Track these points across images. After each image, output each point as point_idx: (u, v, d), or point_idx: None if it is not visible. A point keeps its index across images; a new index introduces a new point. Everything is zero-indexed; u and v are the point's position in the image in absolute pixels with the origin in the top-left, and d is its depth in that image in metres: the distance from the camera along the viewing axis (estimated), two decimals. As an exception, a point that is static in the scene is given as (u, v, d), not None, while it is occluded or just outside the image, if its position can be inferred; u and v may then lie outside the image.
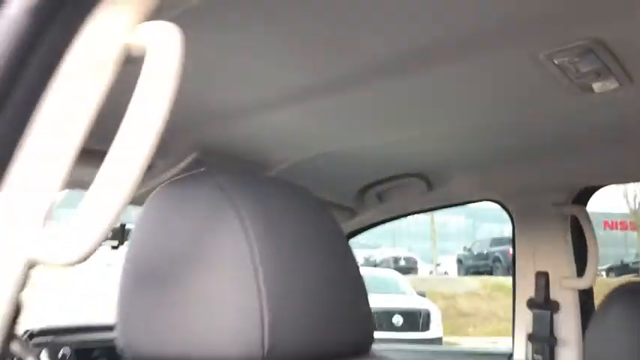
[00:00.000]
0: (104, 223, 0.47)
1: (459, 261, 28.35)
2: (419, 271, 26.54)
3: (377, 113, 1.26)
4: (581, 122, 1.32)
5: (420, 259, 33.56)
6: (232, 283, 0.60)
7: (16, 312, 0.50)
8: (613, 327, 1.29)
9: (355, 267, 0.80)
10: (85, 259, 0.47)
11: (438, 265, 28.47)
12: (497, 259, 24.46)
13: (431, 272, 26.86)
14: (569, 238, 1.90)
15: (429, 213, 27.53)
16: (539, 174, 1.80)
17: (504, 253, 24.11)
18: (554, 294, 1.91)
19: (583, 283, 1.85)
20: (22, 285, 0.51)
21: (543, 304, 1.91)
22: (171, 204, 0.69)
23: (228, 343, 0.59)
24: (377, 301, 9.42)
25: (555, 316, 1.89)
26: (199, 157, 1.15)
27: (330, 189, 1.73)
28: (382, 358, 0.81)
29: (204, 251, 0.62)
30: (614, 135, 1.38)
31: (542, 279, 1.92)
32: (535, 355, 1.89)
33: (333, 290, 0.70)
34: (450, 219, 53.91)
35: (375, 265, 27.06)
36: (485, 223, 53.35)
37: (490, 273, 24.47)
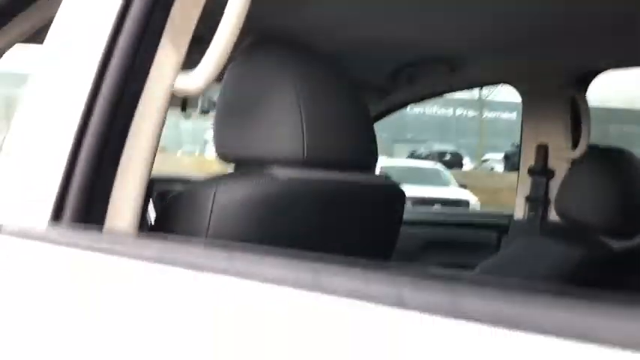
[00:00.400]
0: (215, 65, 0.87)
1: (506, 157, 28.26)
2: (464, 166, 26.64)
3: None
4: (585, 9, 1.47)
5: (469, 156, 33.62)
6: (280, 111, 1.00)
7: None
8: (584, 184, 1.64)
9: (367, 112, 1.19)
10: (204, 88, 0.88)
11: (484, 161, 28.44)
12: (543, 156, 24.51)
13: (476, 167, 26.94)
14: (567, 116, 2.22)
15: (477, 109, 27.43)
16: (547, 59, 2.05)
17: (550, 150, 24.07)
18: (552, 163, 2.26)
19: (576, 154, 2.18)
20: (165, 110, 0.92)
21: (541, 172, 2.27)
22: (243, 70, 1.08)
23: (282, 148, 1.00)
24: (418, 192, 9.84)
25: (550, 182, 2.25)
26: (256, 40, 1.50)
27: (362, 70, 2.04)
28: (384, 175, 1.22)
29: (265, 95, 1.02)
30: (616, 21, 1.55)
31: (542, 150, 2.27)
32: (530, 212, 2.28)
33: (352, 121, 1.10)
34: (502, 115, 52.92)
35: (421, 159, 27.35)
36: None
37: (535, 169, 24.60)
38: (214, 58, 0.87)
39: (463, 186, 12.90)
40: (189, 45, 0.92)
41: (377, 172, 1.22)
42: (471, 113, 31.49)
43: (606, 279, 1.45)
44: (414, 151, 31.07)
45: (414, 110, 51.09)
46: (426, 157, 27.18)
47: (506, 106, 51.63)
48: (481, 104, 28.32)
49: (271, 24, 1.41)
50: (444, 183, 12.82)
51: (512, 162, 27.06)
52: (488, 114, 51.37)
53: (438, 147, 30.21)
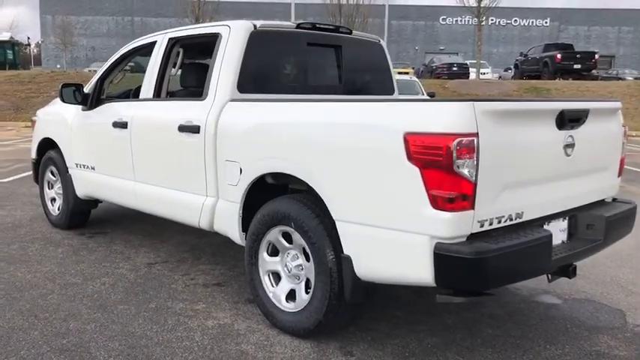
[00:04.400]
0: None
1: (516, 66, 29.90)
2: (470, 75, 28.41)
3: None
4: None
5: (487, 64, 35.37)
6: None
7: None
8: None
9: None
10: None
11: (483, 73, 30.08)
12: (545, 64, 25.97)
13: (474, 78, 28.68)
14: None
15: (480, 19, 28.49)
16: None
17: (552, 58, 25.54)
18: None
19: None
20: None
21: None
22: None
23: None
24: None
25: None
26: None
27: None
28: None
29: None
30: None
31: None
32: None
33: None
34: (535, 22, 52.82)
35: (431, 72, 29.40)
36: (571, 25, 51.91)
37: (539, 77, 26.17)
38: None
39: (431, 95, 15.18)
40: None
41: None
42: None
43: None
44: (430, 60, 32.99)
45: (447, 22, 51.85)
46: (436, 69, 29.14)
47: (538, 13, 51.28)
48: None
49: None
50: (416, 92, 15.13)
51: (520, 70, 28.55)
52: (521, 21, 51.38)
53: (446, 59, 31.95)
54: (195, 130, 3.66)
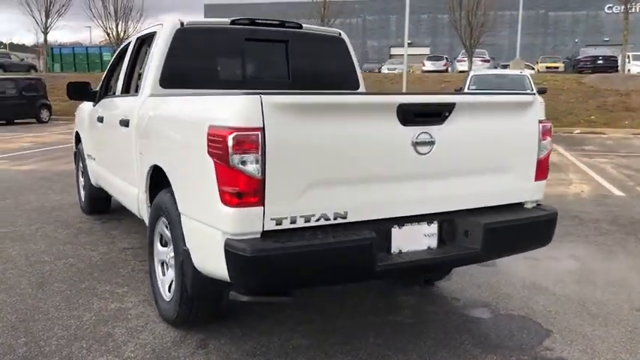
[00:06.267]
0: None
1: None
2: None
3: None
4: None
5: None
6: None
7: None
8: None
9: None
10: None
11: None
12: None
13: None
14: None
15: None
16: None
17: None
18: None
19: None
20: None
21: None
22: None
23: None
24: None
25: None
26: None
27: None
28: None
29: None
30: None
31: None
32: None
33: None
34: None
35: (574, 66, 27.24)
36: None
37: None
38: None
39: (541, 90, 14.13)
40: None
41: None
42: None
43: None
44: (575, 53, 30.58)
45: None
46: (578, 61, 26.96)
47: None
48: None
49: None
50: (525, 87, 14.18)
51: None
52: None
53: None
54: (126, 124, 3.88)
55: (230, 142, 2.32)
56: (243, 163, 2.34)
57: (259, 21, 4.09)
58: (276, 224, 2.43)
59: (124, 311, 3.48)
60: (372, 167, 2.59)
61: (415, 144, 2.63)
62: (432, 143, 2.67)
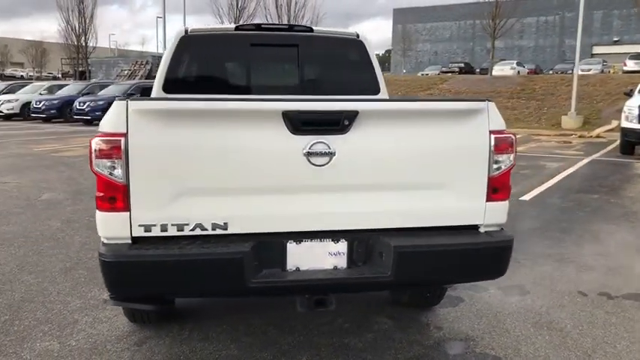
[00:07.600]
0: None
1: None
2: None
3: None
4: None
5: None
6: None
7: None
8: None
9: None
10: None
11: None
12: None
13: None
14: None
15: None
16: None
17: None
18: None
19: None
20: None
21: None
22: None
23: None
24: None
25: None
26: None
27: None
28: None
29: None
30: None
31: None
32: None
33: None
34: None
35: None
36: None
37: None
38: None
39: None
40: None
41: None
42: None
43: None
44: None
45: None
46: None
47: None
48: None
49: None
50: None
51: None
52: None
53: None
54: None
55: (93, 147, 2.37)
56: (108, 168, 2.37)
57: (265, 26, 4.07)
58: (145, 231, 2.41)
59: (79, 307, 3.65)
60: (259, 178, 2.44)
61: (308, 154, 2.42)
62: (330, 154, 2.43)
